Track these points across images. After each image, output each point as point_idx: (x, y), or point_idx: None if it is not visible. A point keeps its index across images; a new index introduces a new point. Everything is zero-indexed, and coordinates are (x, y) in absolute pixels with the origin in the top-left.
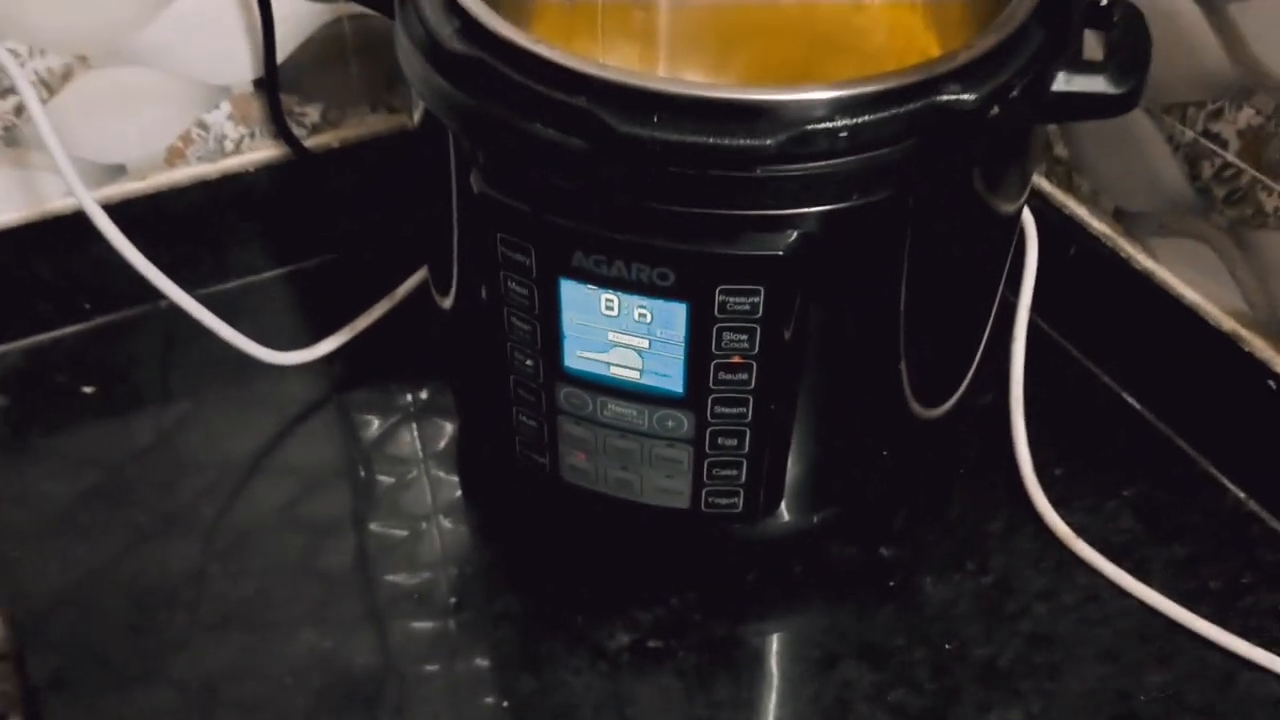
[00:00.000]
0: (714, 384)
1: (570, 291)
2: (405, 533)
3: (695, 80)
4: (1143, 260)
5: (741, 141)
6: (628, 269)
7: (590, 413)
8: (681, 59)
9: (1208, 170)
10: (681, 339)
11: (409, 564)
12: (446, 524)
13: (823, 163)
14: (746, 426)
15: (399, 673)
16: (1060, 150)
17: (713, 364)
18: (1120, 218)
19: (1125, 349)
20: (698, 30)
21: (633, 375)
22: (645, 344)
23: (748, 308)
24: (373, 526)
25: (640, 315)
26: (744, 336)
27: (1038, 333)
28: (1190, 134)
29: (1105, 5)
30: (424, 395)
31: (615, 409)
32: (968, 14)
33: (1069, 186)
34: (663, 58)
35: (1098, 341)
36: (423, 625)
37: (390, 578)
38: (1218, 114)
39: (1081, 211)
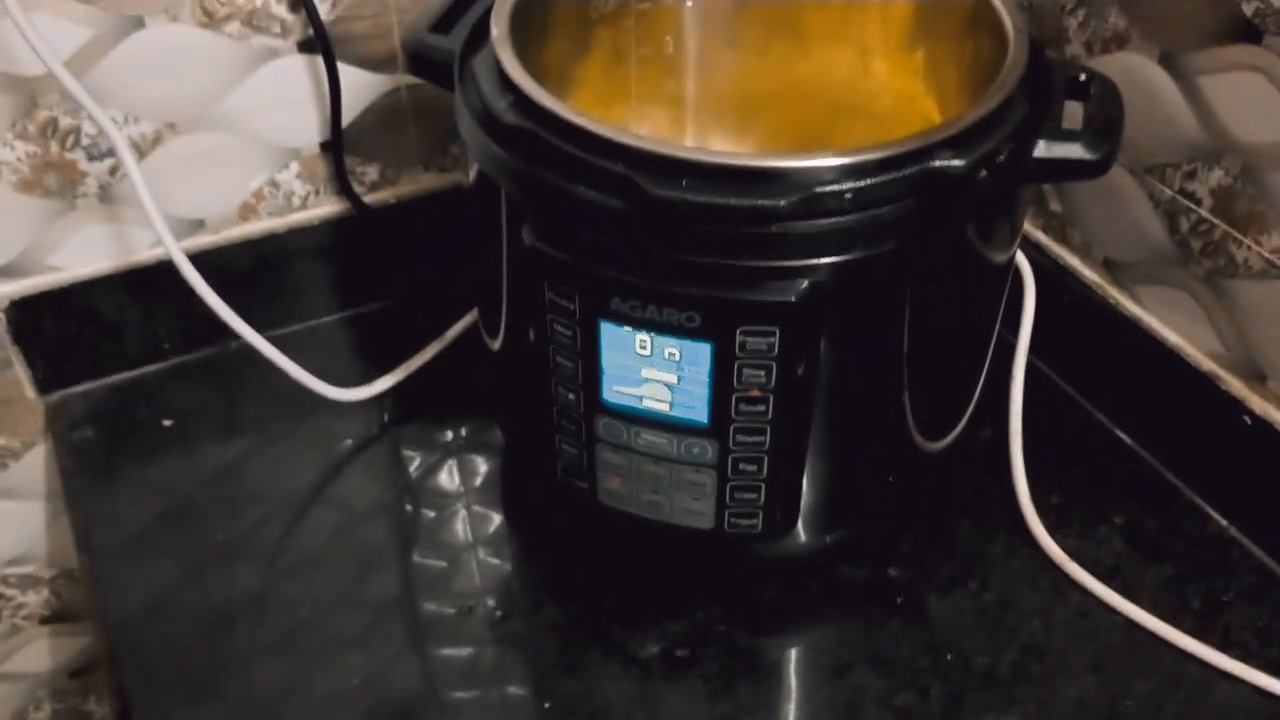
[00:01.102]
0: (735, 415)
1: (609, 333)
2: (445, 563)
3: (718, 146)
4: (1130, 306)
5: (758, 202)
6: (659, 313)
7: (625, 441)
8: (707, 122)
9: (1185, 225)
10: (706, 375)
11: (450, 591)
12: (485, 555)
13: (830, 220)
14: (765, 453)
15: (445, 684)
16: (1055, 206)
17: (734, 397)
18: (1109, 267)
19: (1115, 387)
20: (721, 97)
21: (663, 407)
22: (674, 379)
23: (765, 347)
24: (416, 557)
25: (670, 354)
26: (762, 373)
27: (1035, 372)
28: (1169, 192)
29: (1084, 80)
30: (465, 434)
31: (647, 438)
32: (963, 82)
33: (1063, 239)
34: (690, 121)
35: (1090, 380)
36: (465, 643)
37: (430, 604)
38: (1192, 174)
39: (1074, 262)
